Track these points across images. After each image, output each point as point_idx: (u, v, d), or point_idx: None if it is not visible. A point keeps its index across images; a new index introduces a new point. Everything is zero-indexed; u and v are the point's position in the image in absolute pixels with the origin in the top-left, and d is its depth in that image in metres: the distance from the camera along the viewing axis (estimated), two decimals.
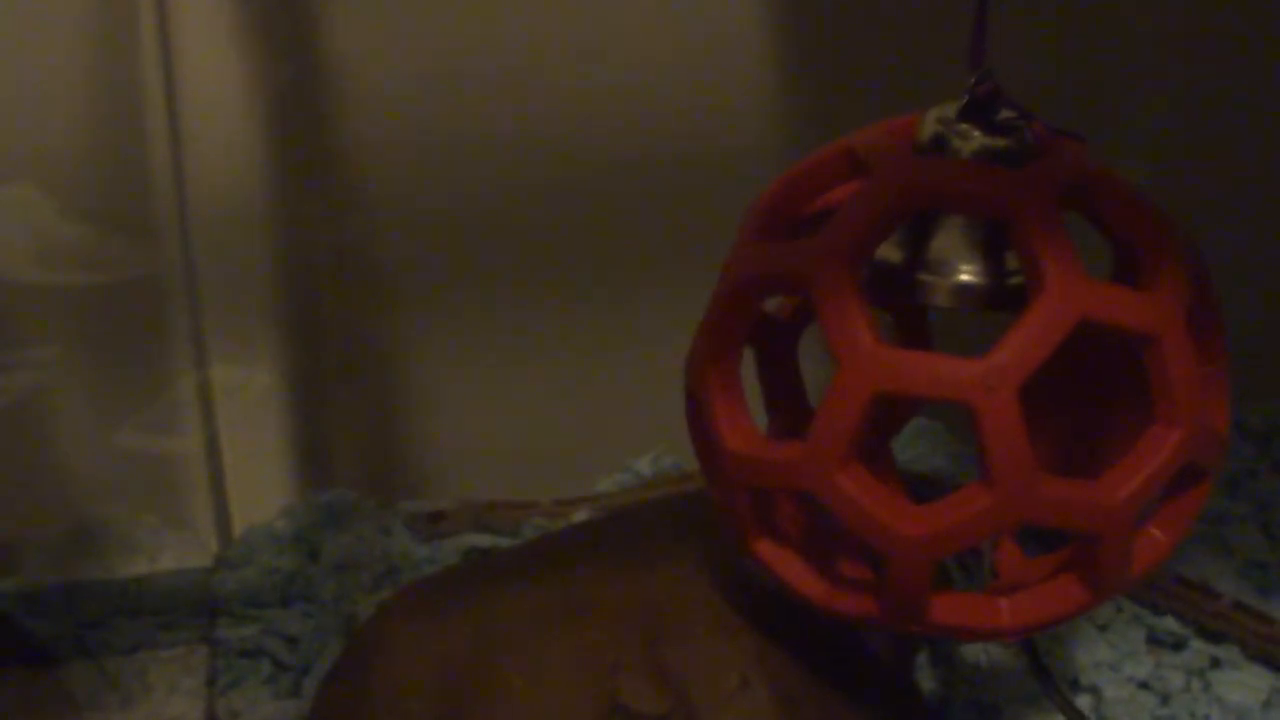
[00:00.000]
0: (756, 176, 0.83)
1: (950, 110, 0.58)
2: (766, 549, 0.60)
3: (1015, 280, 0.58)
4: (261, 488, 0.88)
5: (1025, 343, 0.53)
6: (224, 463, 0.87)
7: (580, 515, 0.83)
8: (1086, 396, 0.65)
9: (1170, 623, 0.75)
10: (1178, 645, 0.74)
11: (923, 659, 0.72)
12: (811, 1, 0.84)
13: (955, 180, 0.56)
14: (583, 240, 0.86)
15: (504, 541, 0.82)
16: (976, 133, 0.57)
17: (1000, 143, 0.57)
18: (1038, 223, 0.54)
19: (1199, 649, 0.74)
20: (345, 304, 0.86)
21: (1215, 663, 0.73)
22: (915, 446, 0.87)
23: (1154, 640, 0.74)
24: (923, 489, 0.74)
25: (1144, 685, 0.72)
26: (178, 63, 0.79)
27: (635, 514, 0.75)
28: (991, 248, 0.59)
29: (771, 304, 0.65)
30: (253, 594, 0.78)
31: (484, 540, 0.82)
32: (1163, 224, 0.58)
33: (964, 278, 0.59)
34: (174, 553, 0.86)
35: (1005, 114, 0.58)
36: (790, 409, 0.68)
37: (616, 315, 0.86)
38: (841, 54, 0.85)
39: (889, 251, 0.59)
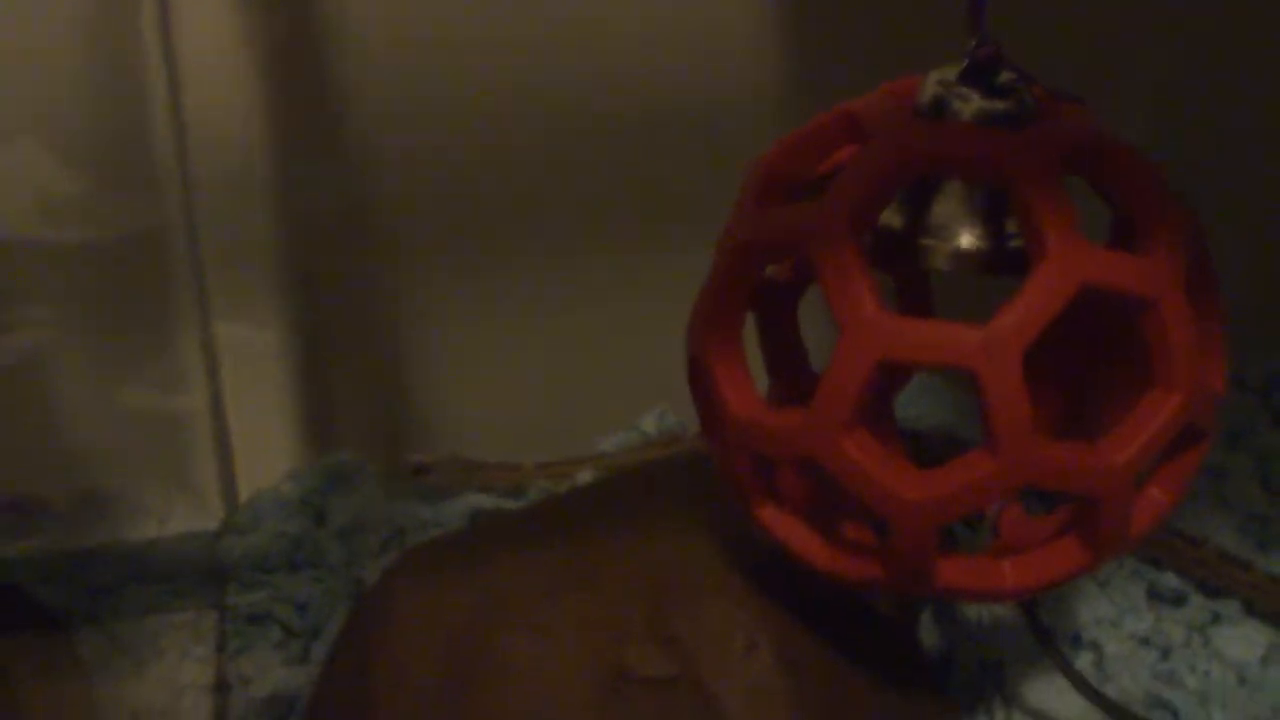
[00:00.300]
0: (759, 135, 0.83)
1: (950, 73, 0.58)
2: (769, 514, 0.61)
3: (1016, 244, 0.59)
4: (267, 448, 0.88)
5: (1027, 309, 0.54)
6: (229, 423, 0.87)
7: (584, 475, 0.83)
8: (1082, 356, 0.66)
9: (1170, 578, 0.75)
10: (1178, 601, 0.75)
11: (926, 617, 0.73)
12: None
13: (955, 144, 0.56)
14: (584, 198, 0.86)
15: (508, 503, 0.82)
16: (976, 95, 0.58)
17: (1000, 105, 0.58)
18: (1038, 188, 0.55)
19: (1199, 604, 0.74)
20: (348, 262, 0.86)
21: (1215, 618, 0.74)
22: (918, 404, 0.87)
23: (1154, 596, 0.75)
24: (925, 447, 0.74)
25: (1144, 641, 0.73)
26: (176, 21, 0.78)
27: (638, 477, 0.76)
28: (992, 212, 0.59)
29: (771, 266, 0.65)
30: (260, 559, 0.79)
31: (488, 502, 0.82)
32: (1161, 187, 0.58)
33: (964, 242, 0.59)
34: (181, 516, 0.86)
35: (1005, 76, 0.58)
36: (791, 372, 0.68)
37: (619, 272, 0.87)
38: (843, 13, 0.85)
39: (890, 216, 0.60)
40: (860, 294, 0.54)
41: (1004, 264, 0.59)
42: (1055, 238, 0.54)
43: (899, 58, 0.80)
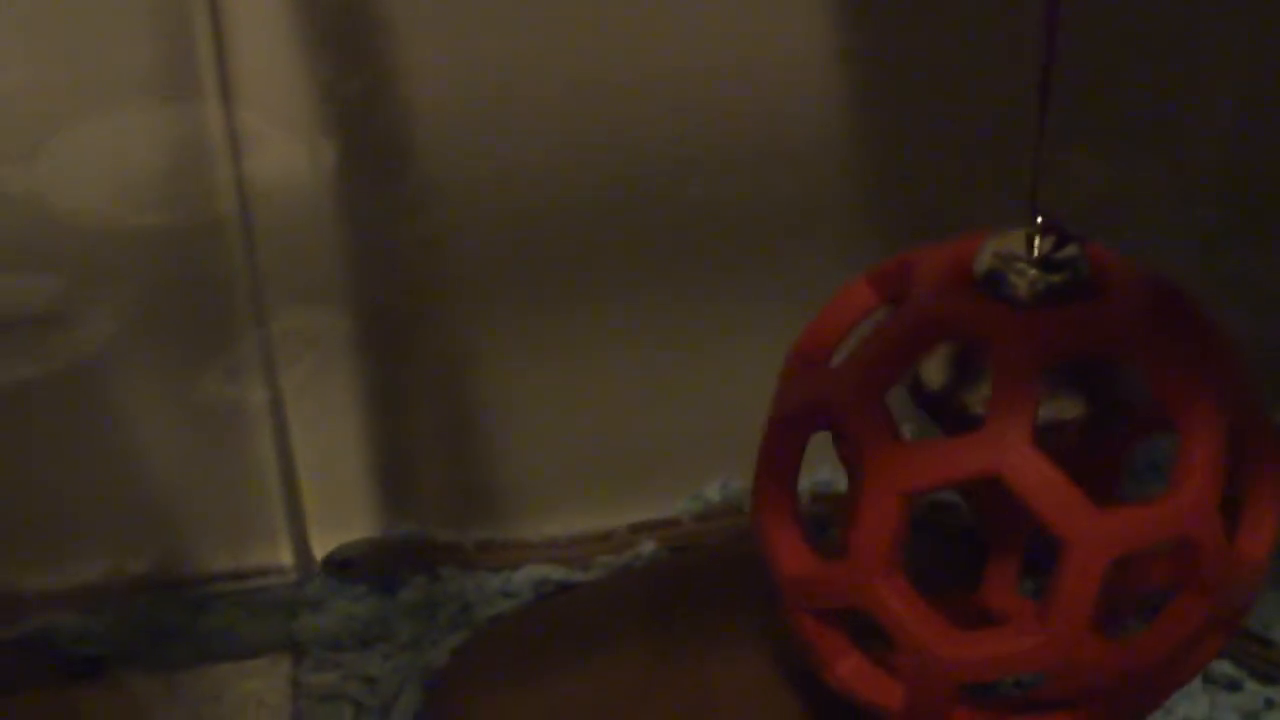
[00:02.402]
0: (836, 180, 0.84)
1: (1008, 244, 0.58)
2: (847, 668, 0.61)
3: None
4: (338, 487, 0.89)
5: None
6: (296, 467, 0.88)
7: (648, 546, 0.85)
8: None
9: (1225, 665, 0.76)
10: (1233, 686, 0.76)
11: None
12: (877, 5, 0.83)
13: (960, 317, 0.58)
14: (651, 251, 0.85)
15: (576, 574, 0.84)
16: (1032, 269, 0.58)
17: (1055, 279, 0.58)
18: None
19: (1254, 691, 0.75)
20: (418, 308, 0.86)
21: (1270, 704, 0.75)
22: None
23: (1209, 681, 0.76)
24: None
25: None
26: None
27: (696, 566, 0.78)
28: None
29: None
30: (333, 639, 0.81)
31: (555, 573, 0.84)
32: (1223, 351, 0.59)
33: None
34: (248, 547, 0.88)
35: (1063, 247, 0.58)
36: None
37: (688, 333, 0.87)
38: (911, 57, 0.84)
39: (957, 386, 0.60)
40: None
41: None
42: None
43: (963, 101, 0.81)
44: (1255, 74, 0.87)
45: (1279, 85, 0.87)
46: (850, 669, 0.61)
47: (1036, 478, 0.54)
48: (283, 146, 0.81)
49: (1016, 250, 0.58)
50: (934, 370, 0.61)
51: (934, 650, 0.56)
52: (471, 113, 0.81)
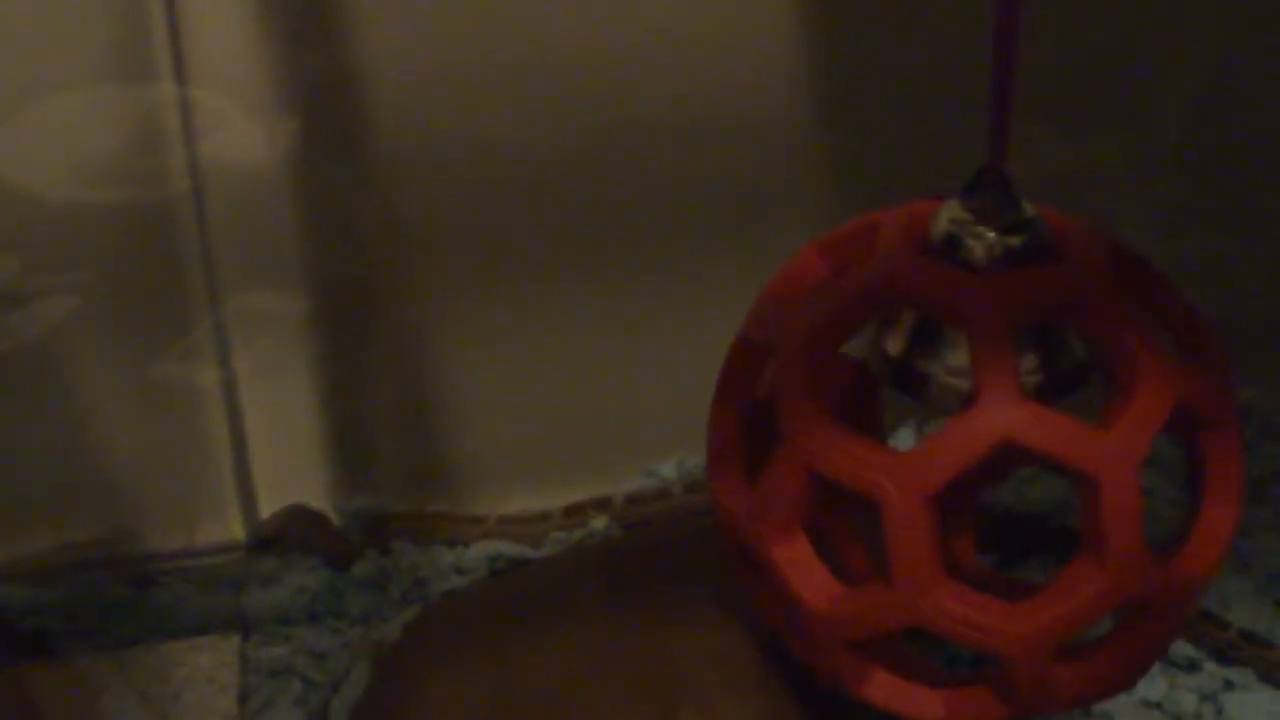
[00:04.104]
0: (794, 157, 0.83)
1: (961, 210, 0.58)
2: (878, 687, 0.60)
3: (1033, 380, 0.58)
4: (287, 463, 0.88)
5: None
6: (249, 446, 0.87)
7: (599, 522, 0.84)
8: None
9: (1184, 646, 0.75)
10: (1191, 667, 0.75)
11: None
12: None
13: (909, 281, 0.56)
14: (608, 226, 0.85)
15: (529, 551, 0.83)
16: (990, 232, 0.57)
17: (1014, 241, 0.57)
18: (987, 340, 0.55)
19: (1212, 671, 0.75)
20: (374, 286, 0.85)
21: (1228, 685, 0.74)
22: None
23: (1167, 662, 0.75)
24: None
25: (1157, 706, 0.73)
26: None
27: (651, 541, 0.77)
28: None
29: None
30: (282, 613, 0.80)
31: (509, 549, 0.83)
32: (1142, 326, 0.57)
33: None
34: (199, 521, 0.87)
35: (1019, 209, 0.57)
36: None
37: (645, 310, 0.86)
38: (869, 28, 0.83)
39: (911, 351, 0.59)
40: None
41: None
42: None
43: (926, 69, 0.80)
44: (1219, 53, 0.86)
45: (1241, 65, 0.87)
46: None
47: (1048, 428, 0.54)
48: (239, 125, 0.80)
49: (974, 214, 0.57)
50: (895, 340, 0.60)
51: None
52: (430, 90, 0.81)
